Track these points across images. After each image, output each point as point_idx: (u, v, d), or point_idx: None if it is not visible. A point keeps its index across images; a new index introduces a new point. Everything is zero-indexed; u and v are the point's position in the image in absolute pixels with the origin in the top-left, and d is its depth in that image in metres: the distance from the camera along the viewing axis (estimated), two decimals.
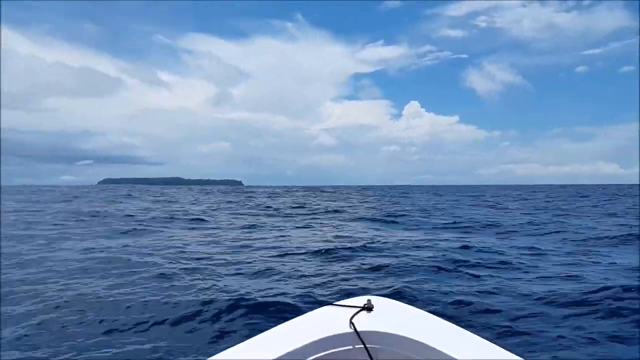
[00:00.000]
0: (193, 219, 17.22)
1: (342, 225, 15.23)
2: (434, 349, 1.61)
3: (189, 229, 14.00)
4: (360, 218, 18.66)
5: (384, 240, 10.97)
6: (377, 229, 14.11)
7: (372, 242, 10.62)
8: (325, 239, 11.47)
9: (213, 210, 23.95)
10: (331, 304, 2.02)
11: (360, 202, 33.41)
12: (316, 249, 9.56)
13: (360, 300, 2.01)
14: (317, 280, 6.69)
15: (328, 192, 70.37)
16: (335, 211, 22.94)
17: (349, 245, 10.03)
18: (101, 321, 4.82)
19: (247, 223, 15.94)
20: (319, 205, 29.51)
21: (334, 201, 35.78)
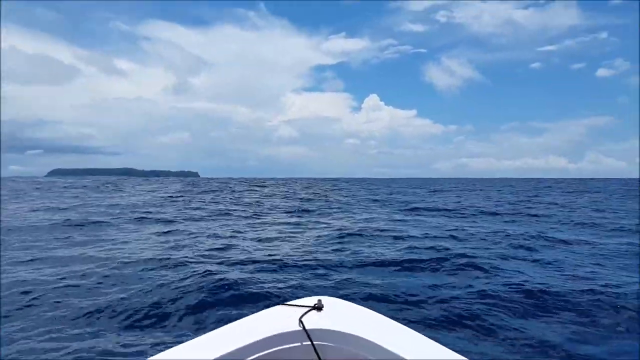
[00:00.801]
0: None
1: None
2: (381, 347, 1.68)
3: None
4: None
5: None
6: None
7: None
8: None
9: None
10: (282, 303, 2.09)
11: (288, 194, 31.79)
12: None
13: (311, 300, 2.08)
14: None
15: (270, 185, 66.51)
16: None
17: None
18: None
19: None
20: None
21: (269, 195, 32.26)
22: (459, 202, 24.53)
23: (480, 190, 44.64)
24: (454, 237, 10.24)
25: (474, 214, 16.68)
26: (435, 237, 10.31)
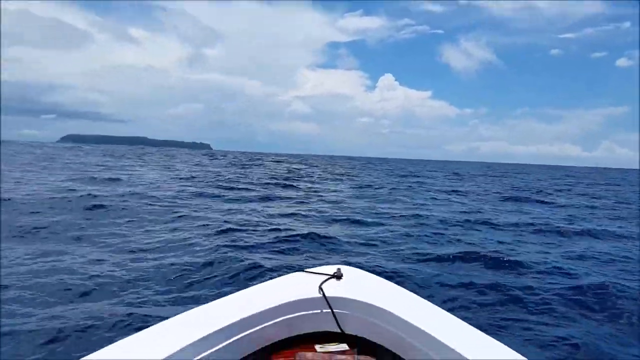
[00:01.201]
0: None
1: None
2: (398, 317, 1.70)
3: None
4: None
5: None
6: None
7: None
8: None
9: None
10: (303, 270, 2.09)
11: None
12: None
13: (331, 269, 2.08)
14: None
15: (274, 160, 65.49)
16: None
17: None
18: None
19: None
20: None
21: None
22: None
23: (513, 175, 43.30)
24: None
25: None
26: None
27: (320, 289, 1.90)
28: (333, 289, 1.92)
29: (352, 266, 2.18)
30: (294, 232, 8.28)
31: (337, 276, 2.03)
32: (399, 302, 1.81)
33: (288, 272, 2.09)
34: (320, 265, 2.20)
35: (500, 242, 8.54)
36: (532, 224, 10.69)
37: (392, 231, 9.24)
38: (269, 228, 8.79)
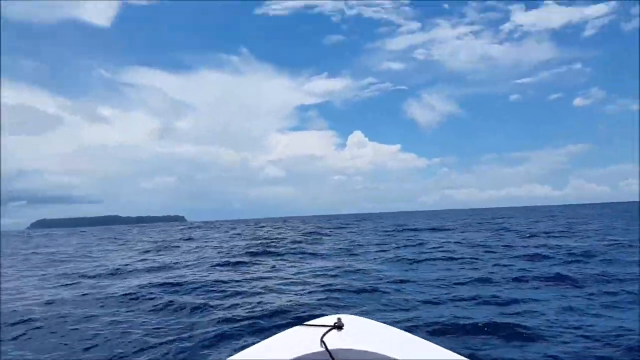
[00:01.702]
0: None
1: None
2: None
3: None
4: None
5: None
6: None
7: None
8: None
9: None
10: (301, 324, 2.03)
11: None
12: None
13: (330, 319, 2.02)
14: None
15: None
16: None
17: None
18: None
19: None
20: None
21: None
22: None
23: (497, 221, 39.88)
24: None
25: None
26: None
27: (322, 342, 1.81)
28: (335, 340, 1.83)
29: (352, 314, 2.09)
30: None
31: (338, 326, 1.94)
32: (406, 349, 1.74)
33: (286, 327, 1.99)
34: (318, 316, 2.09)
35: None
36: None
37: None
38: None
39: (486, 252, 13.95)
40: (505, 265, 10.70)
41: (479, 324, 5.59)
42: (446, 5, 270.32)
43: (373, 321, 2.03)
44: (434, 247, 16.29)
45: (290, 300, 7.50)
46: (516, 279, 8.86)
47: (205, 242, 25.69)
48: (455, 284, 8.63)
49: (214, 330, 5.79)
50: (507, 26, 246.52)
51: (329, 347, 1.75)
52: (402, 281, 9.13)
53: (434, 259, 12.52)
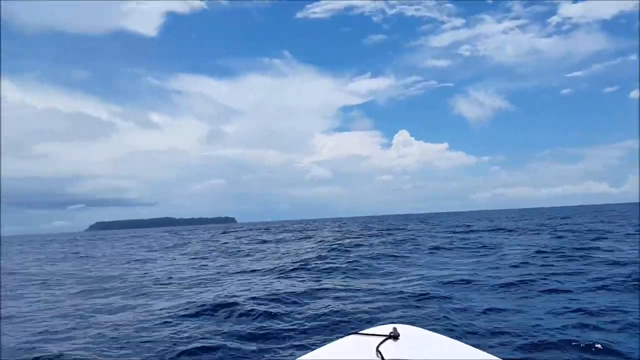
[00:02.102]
0: None
1: None
2: None
3: None
4: None
5: None
6: None
7: None
8: None
9: None
10: (356, 332, 1.99)
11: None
12: None
13: (385, 329, 1.96)
14: None
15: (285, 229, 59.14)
16: None
17: None
18: None
19: None
20: None
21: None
22: None
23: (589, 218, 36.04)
24: None
25: None
26: None
27: (378, 352, 1.73)
28: (391, 351, 1.75)
29: (407, 324, 2.04)
30: None
31: (394, 336, 1.86)
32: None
33: (340, 336, 1.96)
34: (372, 325, 2.06)
35: None
36: None
37: None
38: None
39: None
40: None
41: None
42: (490, 1, 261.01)
43: (429, 331, 1.99)
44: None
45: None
46: None
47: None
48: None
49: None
50: (554, 19, 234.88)
51: (385, 357, 1.68)
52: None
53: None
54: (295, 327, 6.01)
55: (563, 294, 7.31)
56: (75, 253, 28.03)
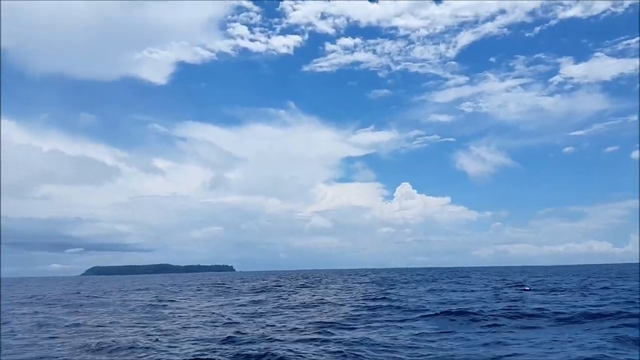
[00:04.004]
0: None
1: None
2: None
3: None
4: None
5: None
6: None
7: None
8: None
9: None
10: None
11: None
12: None
13: None
14: None
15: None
16: None
17: None
18: None
19: None
20: None
21: None
22: None
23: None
24: None
25: None
26: None
27: None
28: None
29: None
30: None
31: None
32: None
33: None
34: None
35: None
36: None
37: None
38: None
39: None
40: None
41: None
42: (493, 59, 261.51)
43: None
44: None
45: None
46: None
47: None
48: None
49: None
50: (556, 78, 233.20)
51: None
52: None
53: None
54: None
55: None
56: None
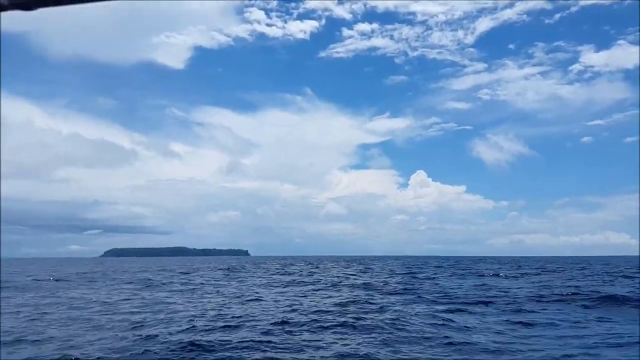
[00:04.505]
0: None
1: None
2: None
3: None
4: None
5: None
6: None
7: None
8: None
9: None
10: None
11: None
12: None
13: None
14: None
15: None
16: None
17: None
18: None
19: None
20: None
21: None
22: None
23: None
24: None
25: None
26: None
27: None
28: None
29: None
30: None
31: None
32: None
33: None
34: None
35: None
36: None
37: None
38: None
39: None
40: None
41: None
42: (512, 46, 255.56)
43: None
44: None
45: None
46: None
47: None
48: None
49: None
50: (576, 66, 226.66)
51: None
52: None
53: None
54: None
55: None
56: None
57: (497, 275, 32.80)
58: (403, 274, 35.05)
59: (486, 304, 16.31)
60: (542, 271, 38.60)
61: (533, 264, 61.75)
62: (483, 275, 32.45)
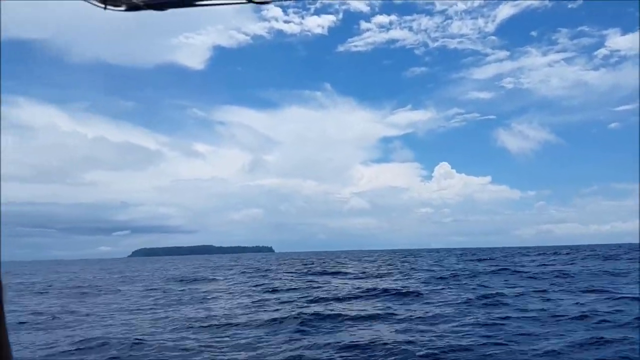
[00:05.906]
0: None
1: None
2: None
3: None
4: None
5: None
6: None
7: None
8: None
9: None
10: None
11: None
12: None
13: None
14: None
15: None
16: None
17: None
18: None
19: None
20: None
21: None
22: None
23: None
24: None
25: None
26: None
27: None
28: None
29: None
30: None
31: None
32: None
33: None
34: None
35: None
36: None
37: None
38: None
39: None
40: None
41: None
42: (534, 33, 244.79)
43: None
44: None
45: None
46: None
47: None
48: None
49: None
50: (602, 51, 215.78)
51: None
52: None
53: None
54: None
55: None
56: None
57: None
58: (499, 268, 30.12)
59: None
60: None
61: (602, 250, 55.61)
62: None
